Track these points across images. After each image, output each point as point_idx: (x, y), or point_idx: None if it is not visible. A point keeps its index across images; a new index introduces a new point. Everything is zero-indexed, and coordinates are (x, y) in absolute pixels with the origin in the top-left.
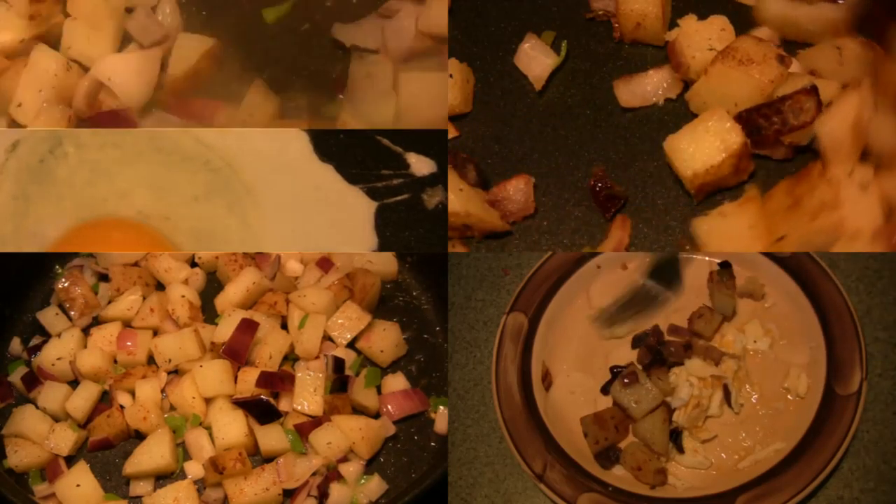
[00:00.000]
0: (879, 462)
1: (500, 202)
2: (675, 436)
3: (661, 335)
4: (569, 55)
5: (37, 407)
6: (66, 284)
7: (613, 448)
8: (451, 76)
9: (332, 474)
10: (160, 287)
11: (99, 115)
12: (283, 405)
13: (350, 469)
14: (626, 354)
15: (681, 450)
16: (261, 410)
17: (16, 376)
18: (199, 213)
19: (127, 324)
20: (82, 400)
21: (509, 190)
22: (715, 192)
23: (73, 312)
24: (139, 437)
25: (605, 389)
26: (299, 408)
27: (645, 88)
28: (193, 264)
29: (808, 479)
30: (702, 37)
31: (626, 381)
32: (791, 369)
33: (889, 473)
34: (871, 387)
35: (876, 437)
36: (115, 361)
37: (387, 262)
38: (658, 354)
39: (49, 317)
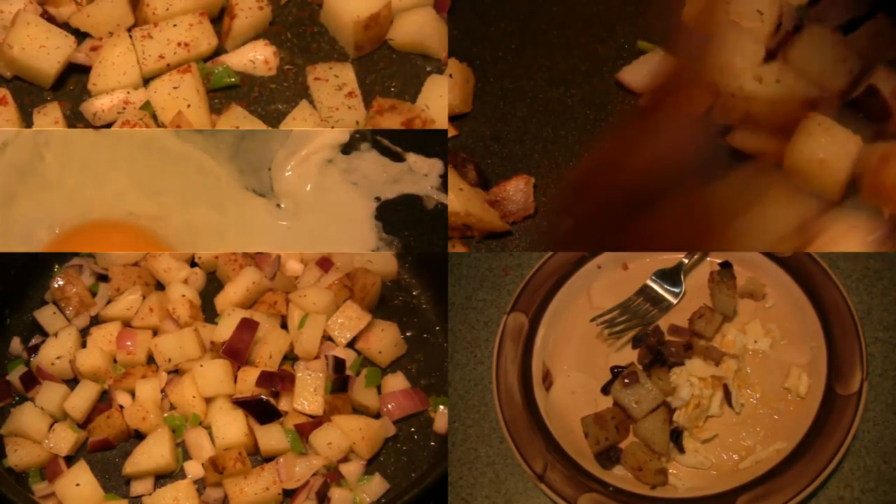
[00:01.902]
0: (880, 462)
1: (500, 202)
2: (676, 436)
3: (661, 335)
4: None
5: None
6: (60, 283)
7: (614, 448)
8: (451, 76)
9: (332, 475)
10: (160, 287)
11: None
12: (283, 405)
13: (350, 469)
14: (626, 354)
15: (681, 450)
16: (261, 410)
17: (14, 375)
18: (193, 213)
19: (126, 323)
20: (81, 400)
21: (509, 190)
22: None
23: (68, 311)
24: (139, 437)
25: (606, 389)
26: (299, 408)
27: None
28: (193, 264)
29: (808, 479)
30: None
31: (626, 381)
32: (792, 369)
33: (890, 473)
34: (871, 387)
35: (876, 437)
36: (115, 361)
37: (387, 262)
38: (658, 354)
39: (46, 315)
